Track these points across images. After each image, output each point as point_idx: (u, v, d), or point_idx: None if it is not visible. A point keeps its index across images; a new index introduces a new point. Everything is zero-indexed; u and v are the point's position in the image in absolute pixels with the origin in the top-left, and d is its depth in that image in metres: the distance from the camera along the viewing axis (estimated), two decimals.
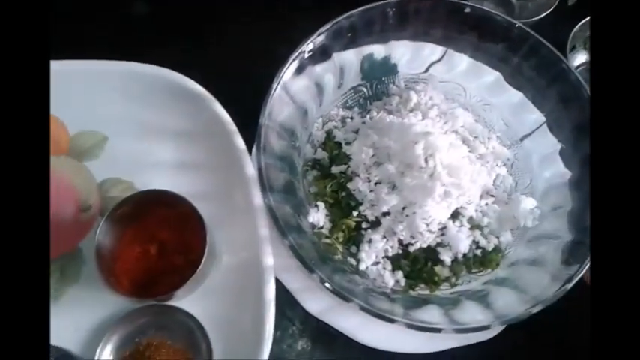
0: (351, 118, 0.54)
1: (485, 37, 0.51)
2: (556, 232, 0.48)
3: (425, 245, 0.47)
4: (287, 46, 0.62)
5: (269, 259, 0.48)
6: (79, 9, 0.62)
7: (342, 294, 0.40)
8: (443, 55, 0.54)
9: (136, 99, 0.55)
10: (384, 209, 0.46)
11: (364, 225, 0.48)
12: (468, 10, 0.50)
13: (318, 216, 0.48)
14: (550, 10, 0.59)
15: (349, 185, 0.48)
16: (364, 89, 0.56)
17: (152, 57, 0.55)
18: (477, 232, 0.49)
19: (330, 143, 0.52)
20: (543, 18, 0.60)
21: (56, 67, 0.54)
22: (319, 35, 0.47)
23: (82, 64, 0.55)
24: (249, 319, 0.47)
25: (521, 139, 0.54)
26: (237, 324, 0.48)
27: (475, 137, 0.53)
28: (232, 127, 0.53)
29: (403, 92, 0.54)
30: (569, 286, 0.42)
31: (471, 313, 0.43)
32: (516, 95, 0.53)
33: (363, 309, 0.40)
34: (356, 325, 0.47)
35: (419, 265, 0.47)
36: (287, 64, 0.47)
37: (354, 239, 0.48)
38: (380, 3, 0.48)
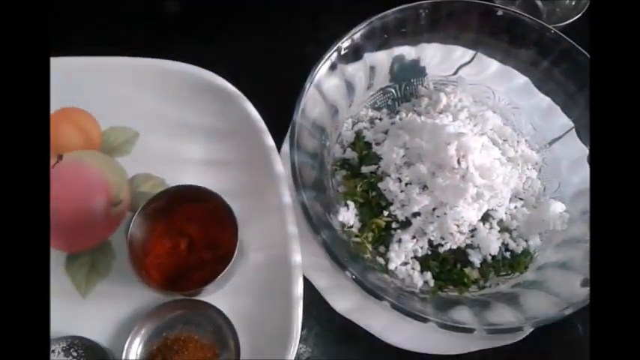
0: (380, 119, 0.55)
1: (516, 40, 0.51)
2: (585, 237, 0.47)
3: (455, 247, 0.47)
4: (315, 45, 0.62)
5: (297, 257, 0.48)
6: (113, 8, 0.63)
7: (374, 292, 0.40)
8: (472, 58, 0.54)
9: (168, 96, 0.55)
10: (415, 209, 0.46)
11: (394, 225, 0.48)
12: (500, 12, 0.50)
13: (348, 215, 0.48)
14: (579, 15, 0.59)
15: (380, 185, 0.48)
16: (393, 90, 0.56)
17: (183, 54, 0.56)
18: (507, 235, 0.48)
19: (360, 143, 0.52)
20: (571, 23, 0.59)
21: (89, 63, 0.56)
22: (353, 35, 0.47)
23: (114, 60, 0.56)
24: (277, 316, 0.47)
25: (550, 143, 0.54)
26: (265, 321, 0.48)
27: (504, 140, 0.53)
28: (262, 124, 0.53)
29: (432, 94, 0.54)
30: None
31: (502, 315, 0.43)
32: (545, 100, 0.53)
33: (395, 307, 0.40)
34: (384, 324, 0.47)
35: (448, 267, 0.47)
36: (321, 63, 0.47)
37: (384, 239, 0.48)
38: (414, 4, 0.49)
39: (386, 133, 0.53)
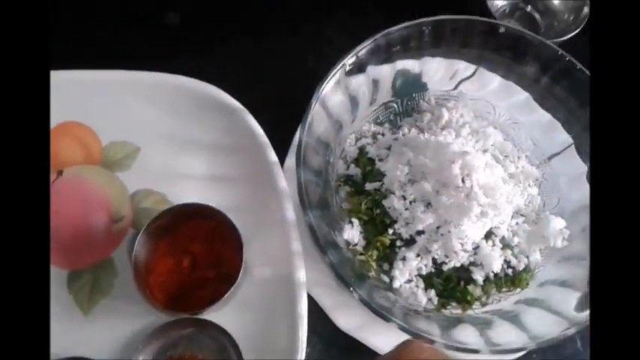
0: (382, 134, 0.55)
1: (518, 57, 0.51)
2: (585, 254, 0.48)
3: (458, 264, 0.47)
4: (316, 58, 0.63)
5: (302, 274, 0.48)
6: (113, 20, 0.63)
7: (382, 314, 0.40)
8: (474, 73, 0.55)
9: (169, 110, 0.55)
10: (420, 227, 0.46)
11: (398, 243, 0.48)
12: (502, 30, 0.50)
13: (353, 232, 0.48)
14: (578, 30, 0.60)
15: (384, 202, 0.48)
16: (395, 105, 0.56)
17: (184, 67, 0.55)
18: (508, 252, 0.49)
19: (363, 159, 0.52)
20: (570, 38, 0.60)
21: (89, 77, 0.55)
22: (358, 52, 0.48)
23: (114, 74, 0.55)
24: (281, 334, 0.47)
25: (549, 158, 0.55)
26: (269, 339, 0.48)
27: (505, 156, 0.54)
28: (265, 139, 0.53)
29: (434, 109, 0.55)
30: None
31: (506, 334, 0.43)
32: (545, 116, 0.53)
33: (402, 329, 0.40)
34: (389, 342, 0.47)
35: (451, 284, 0.48)
36: (326, 80, 0.47)
37: (388, 256, 0.49)
38: (417, 21, 0.49)
39: (389, 148, 0.53)
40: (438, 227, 0.47)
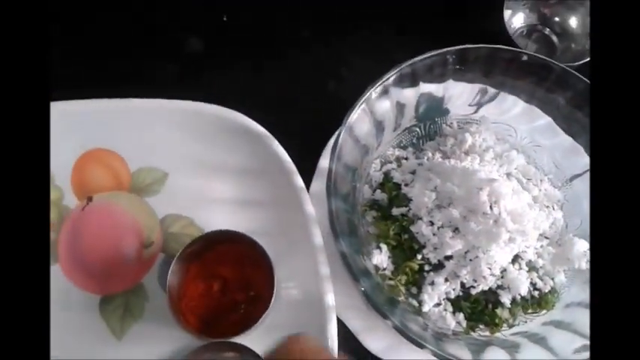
0: (406, 159, 0.56)
1: (540, 83, 0.52)
2: None
3: (486, 288, 0.48)
4: (337, 81, 0.64)
5: (331, 298, 0.49)
6: (135, 47, 0.64)
7: (416, 341, 0.41)
8: (496, 97, 0.56)
9: (195, 136, 0.56)
10: (448, 253, 0.47)
11: (426, 267, 0.49)
12: (525, 58, 0.51)
13: (381, 257, 0.49)
14: None
15: (412, 228, 0.49)
16: (417, 130, 0.57)
17: (207, 93, 0.56)
18: (534, 274, 0.50)
19: (389, 184, 0.53)
20: (586, 62, 0.61)
21: (116, 105, 0.56)
22: (385, 82, 0.49)
23: (141, 102, 0.56)
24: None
25: (571, 180, 0.56)
26: None
27: (528, 179, 0.54)
28: (291, 165, 0.54)
29: (457, 134, 0.55)
30: None
31: (535, 357, 0.44)
32: (567, 140, 0.54)
33: (435, 355, 0.41)
34: None
35: (479, 307, 0.49)
36: (354, 109, 0.48)
37: (416, 281, 0.49)
38: (442, 50, 0.50)
39: (413, 173, 0.54)
40: (466, 252, 0.47)
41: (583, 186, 0.55)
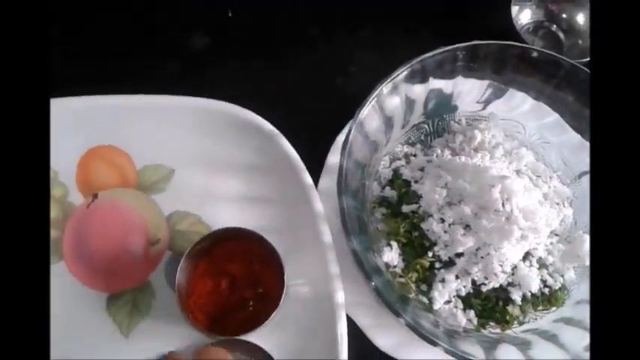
0: (414, 155, 0.55)
1: (550, 80, 0.52)
2: None
3: (497, 285, 0.48)
4: (344, 77, 0.64)
5: (340, 296, 0.49)
6: (138, 47, 0.64)
7: (429, 338, 0.40)
8: (504, 94, 0.55)
9: (202, 133, 0.55)
10: (459, 250, 0.47)
11: (437, 265, 0.49)
12: (535, 54, 0.51)
13: (392, 255, 0.49)
14: None
15: (422, 225, 0.49)
16: (426, 126, 0.57)
17: (214, 91, 0.56)
18: (545, 271, 0.50)
19: (398, 181, 0.53)
20: None
21: (123, 101, 0.56)
22: (395, 78, 0.48)
23: (147, 98, 0.56)
24: (320, 355, 0.48)
25: (580, 176, 0.56)
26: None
27: (538, 176, 0.54)
28: (299, 163, 0.53)
29: (466, 130, 0.55)
30: None
31: (547, 353, 0.44)
32: (576, 137, 0.54)
33: (447, 352, 0.41)
34: None
35: (490, 304, 0.48)
36: (364, 106, 0.47)
37: (426, 278, 0.49)
38: (452, 47, 0.49)
39: (422, 169, 0.53)
40: (477, 250, 0.47)
41: None
